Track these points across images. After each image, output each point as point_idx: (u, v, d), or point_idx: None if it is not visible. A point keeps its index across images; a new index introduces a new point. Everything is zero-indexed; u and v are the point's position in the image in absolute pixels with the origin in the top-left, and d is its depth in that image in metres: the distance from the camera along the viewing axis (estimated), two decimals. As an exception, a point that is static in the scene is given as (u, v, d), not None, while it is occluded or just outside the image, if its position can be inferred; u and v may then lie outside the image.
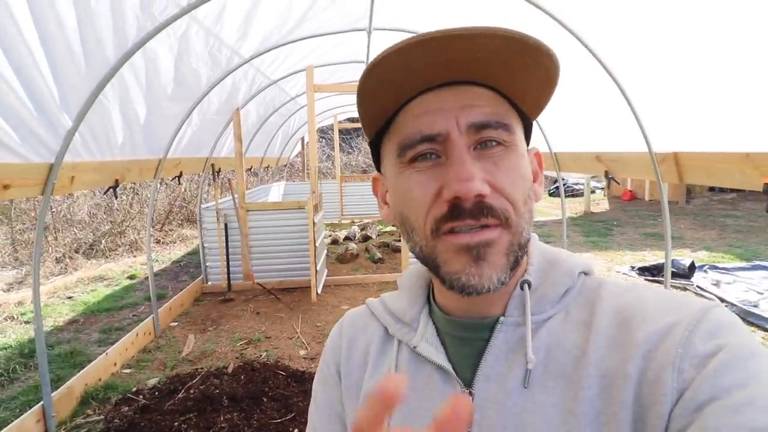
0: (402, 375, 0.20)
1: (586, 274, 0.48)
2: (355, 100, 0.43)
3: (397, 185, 0.45)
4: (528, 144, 0.49)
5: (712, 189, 10.66)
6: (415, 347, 0.49)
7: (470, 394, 0.44)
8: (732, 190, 10.39)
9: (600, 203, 11.25)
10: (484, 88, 0.42)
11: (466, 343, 0.47)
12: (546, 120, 3.72)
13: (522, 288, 0.46)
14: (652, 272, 5.01)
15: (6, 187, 2.03)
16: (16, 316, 4.46)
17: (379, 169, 0.52)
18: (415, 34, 0.37)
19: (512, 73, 0.41)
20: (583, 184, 11.76)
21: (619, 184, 3.19)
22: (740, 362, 0.34)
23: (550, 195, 13.52)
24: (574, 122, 3.44)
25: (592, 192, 11.67)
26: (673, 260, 4.85)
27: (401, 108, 0.44)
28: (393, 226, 0.50)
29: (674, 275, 4.69)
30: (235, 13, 2.73)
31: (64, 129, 2.24)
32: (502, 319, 0.45)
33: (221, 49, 3.13)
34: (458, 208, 0.40)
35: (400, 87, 0.42)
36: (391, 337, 0.53)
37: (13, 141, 1.96)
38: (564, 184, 12.73)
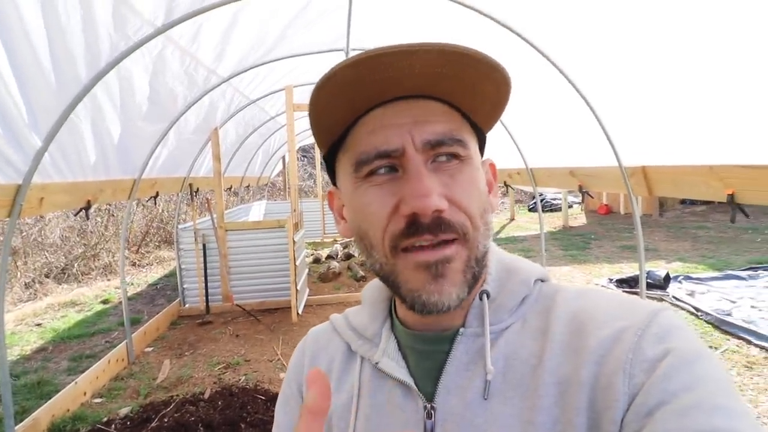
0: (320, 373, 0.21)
1: (542, 281, 0.49)
2: (312, 101, 0.42)
3: (353, 200, 0.44)
4: (482, 156, 0.49)
5: (683, 202, 11.04)
6: (376, 363, 0.48)
7: (432, 408, 0.44)
8: (702, 203, 10.77)
9: (577, 217, 11.49)
10: (438, 103, 0.42)
11: (428, 356, 0.47)
12: (521, 136, 3.82)
13: (481, 298, 0.46)
14: (630, 284, 5.10)
15: (-31, 209, 1.96)
16: (-22, 346, 4.23)
17: (334, 183, 0.51)
18: (367, 50, 0.37)
19: (464, 88, 0.41)
20: (560, 199, 12.02)
21: (593, 198, 3.27)
22: (687, 366, 0.35)
23: (530, 210, 13.76)
24: (548, 138, 3.54)
25: (570, 207, 11.92)
26: (649, 272, 4.96)
27: (355, 122, 0.44)
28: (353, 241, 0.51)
29: (650, 286, 4.78)
30: (211, 33, 2.74)
31: (33, 149, 2.18)
32: (461, 330, 0.45)
33: (198, 69, 3.12)
34: (416, 223, 0.39)
35: (353, 101, 0.41)
36: (354, 354, 0.52)
37: (-23, 161, 1.89)
38: (542, 200, 13.01)
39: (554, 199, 13.13)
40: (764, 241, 7.31)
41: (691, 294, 4.65)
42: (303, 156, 15.66)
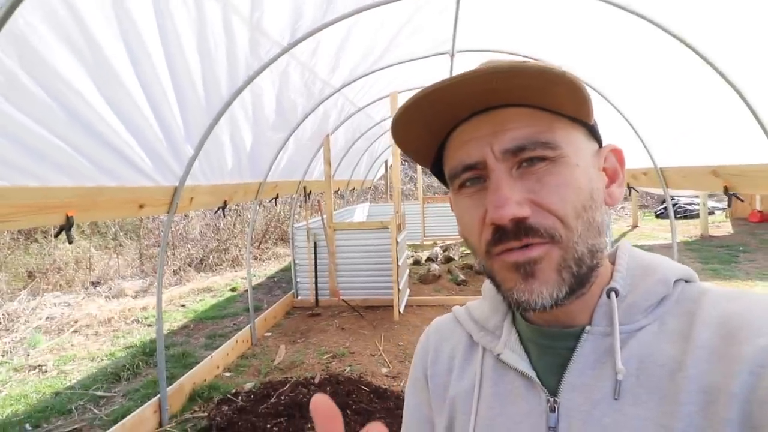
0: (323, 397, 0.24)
1: (686, 281, 0.45)
2: (392, 136, 0.47)
3: (455, 210, 0.49)
4: (600, 143, 0.47)
5: None
6: (498, 354, 0.50)
7: (555, 402, 0.44)
8: None
9: (721, 226, 9.82)
10: (521, 108, 0.42)
11: (551, 351, 0.47)
12: (647, 130, 3.41)
13: (608, 296, 0.44)
14: (793, 307, 4.21)
15: (142, 206, 2.42)
16: (140, 320, 5.16)
17: None
18: (444, 79, 0.40)
19: (534, 93, 0.41)
20: (697, 203, 10.41)
21: (742, 201, 2.78)
22: None
23: (657, 216, 12.16)
24: (682, 132, 3.10)
25: (710, 213, 10.26)
26: (821, 294, 4.03)
27: (448, 137, 0.47)
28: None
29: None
30: (327, 48, 2.98)
31: (187, 156, 2.61)
32: (588, 328, 0.45)
33: (315, 81, 3.42)
34: (501, 230, 0.41)
35: (429, 129, 0.45)
36: (475, 344, 0.55)
37: (148, 167, 2.33)
38: (674, 204, 11.39)
39: (689, 204, 11.41)
40: None
41: None
42: (404, 160, 15.99)
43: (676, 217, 10.81)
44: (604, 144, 0.48)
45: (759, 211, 9.89)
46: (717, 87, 2.31)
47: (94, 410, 3.13)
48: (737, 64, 2.21)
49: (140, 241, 8.20)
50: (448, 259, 7.17)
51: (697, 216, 10.10)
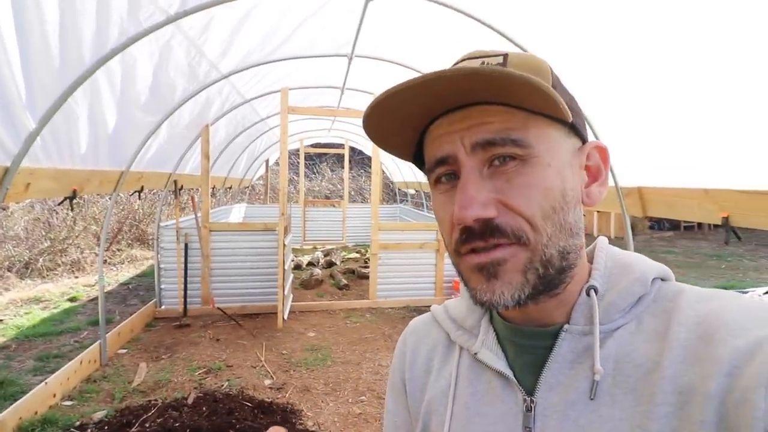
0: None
1: (662, 280, 0.46)
2: (365, 131, 0.45)
3: (433, 206, 0.48)
4: (585, 140, 0.46)
5: (651, 227, 11.53)
6: (475, 354, 0.49)
7: (532, 401, 0.44)
8: (669, 229, 11.29)
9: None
10: (497, 105, 0.41)
11: (528, 350, 0.46)
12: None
13: (588, 294, 0.44)
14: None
15: (-49, 189, 1.82)
16: (-71, 342, 3.91)
17: None
18: (400, 82, 0.39)
19: (509, 95, 0.39)
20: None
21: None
22: None
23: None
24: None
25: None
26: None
27: (424, 132, 0.46)
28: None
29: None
30: (221, 27, 2.69)
31: (26, 130, 2.06)
32: (566, 326, 0.44)
33: (201, 62, 3.05)
34: (468, 230, 0.41)
35: (408, 119, 0.44)
36: (453, 344, 0.54)
37: (-32, 139, 1.77)
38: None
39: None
40: (728, 268, 7.71)
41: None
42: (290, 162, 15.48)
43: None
44: (589, 140, 0.47)
45: (580, 226, 12.20)
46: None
47: None
48: (587, 96, 2.64)
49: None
50: (330, 264, 7.12)
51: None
